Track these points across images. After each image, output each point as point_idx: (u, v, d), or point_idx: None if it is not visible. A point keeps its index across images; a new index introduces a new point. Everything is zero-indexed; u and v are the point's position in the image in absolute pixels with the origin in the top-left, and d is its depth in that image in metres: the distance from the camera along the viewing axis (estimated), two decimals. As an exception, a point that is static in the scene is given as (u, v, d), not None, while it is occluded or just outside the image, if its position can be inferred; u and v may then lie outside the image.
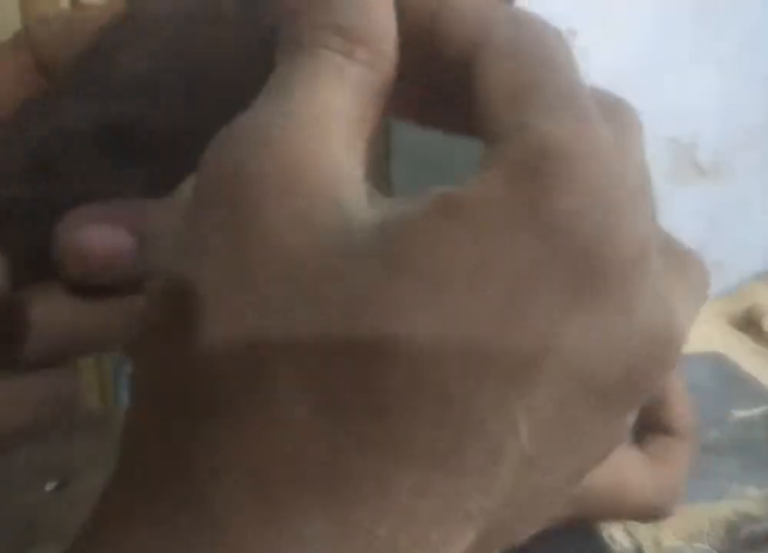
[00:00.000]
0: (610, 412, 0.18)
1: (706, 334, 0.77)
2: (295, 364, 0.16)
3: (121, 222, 0.23)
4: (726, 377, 0.69)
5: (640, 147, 0.21)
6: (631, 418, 0.20)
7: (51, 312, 0.24)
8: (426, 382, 0.16)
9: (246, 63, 0.21)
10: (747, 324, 0.88)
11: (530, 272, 0.17)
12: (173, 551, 0.17)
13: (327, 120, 0.18)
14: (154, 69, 0.21)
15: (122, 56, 0.21)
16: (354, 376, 0.16)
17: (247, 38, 0.21)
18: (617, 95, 0.21)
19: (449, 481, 0.17)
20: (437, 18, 0.20)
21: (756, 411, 0.64)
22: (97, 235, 0.23)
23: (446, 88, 0.20)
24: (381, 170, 0.49)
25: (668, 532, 0.57)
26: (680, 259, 0.22)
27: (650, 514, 0.26)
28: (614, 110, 0.20)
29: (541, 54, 0.19)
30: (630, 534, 0.58)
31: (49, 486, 0.68)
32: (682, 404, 0.28)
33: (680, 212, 1.06)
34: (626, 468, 0.25)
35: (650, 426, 0.28)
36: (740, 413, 0.65)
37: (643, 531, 0.58)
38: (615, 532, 0.58)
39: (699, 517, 0.58)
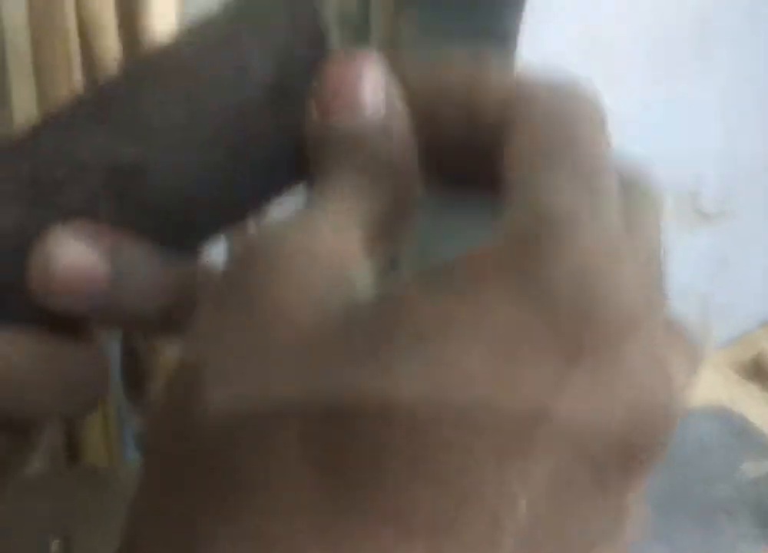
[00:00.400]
0: (609, 486, 0.18)
1: (712, 384, 0.77)
2: (298, 431, 0.17)
3: (101, 247, 0.22)
4: (734, 431, 0.68)
5: (652, 224, 0.20)
6: (633, 501, 0.20)
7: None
8: (424, 448, 0.16)
9: (267, 135, 0.21)
10: (755, 373, 0.87)
11: (520, 338, 0.17)
12: None
13: (347, 223, 0.19)
14: (176, 117, 0.21)
15: (146, 97, 0.21)
16: (354, 441, 0.17)
17: (274, 113, 0.21)
18: (640, 172, 0.21)
19: (449, 552, 0.17)
20: (473, 92, 0.21)
21: (766, 464, 0.63)
22: (69, 251, 0.21)
23: (477, 157, 0.21)
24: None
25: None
26: (674, 333, 0.22)
27: None
28: (633, 187, 0.21)
29: (571, 129, 0.19)
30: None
31: (54, 545, 0.68)
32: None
33: (685, 258, 1.07)
34: None
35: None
36: (750, 468, 0.64)
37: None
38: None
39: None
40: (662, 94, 0.98)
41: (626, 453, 0.18)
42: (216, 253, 0.25)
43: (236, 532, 0.17)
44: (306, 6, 0.21)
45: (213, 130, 0.21)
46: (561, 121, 0.20)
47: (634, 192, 0.20)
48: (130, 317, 0.24)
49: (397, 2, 0.51)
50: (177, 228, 0.23)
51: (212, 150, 0.21)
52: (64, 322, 0.22)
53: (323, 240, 0.19)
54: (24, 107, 0.57)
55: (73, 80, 0.61)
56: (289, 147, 0.21)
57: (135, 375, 0.72)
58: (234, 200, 0.23)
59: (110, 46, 0.63)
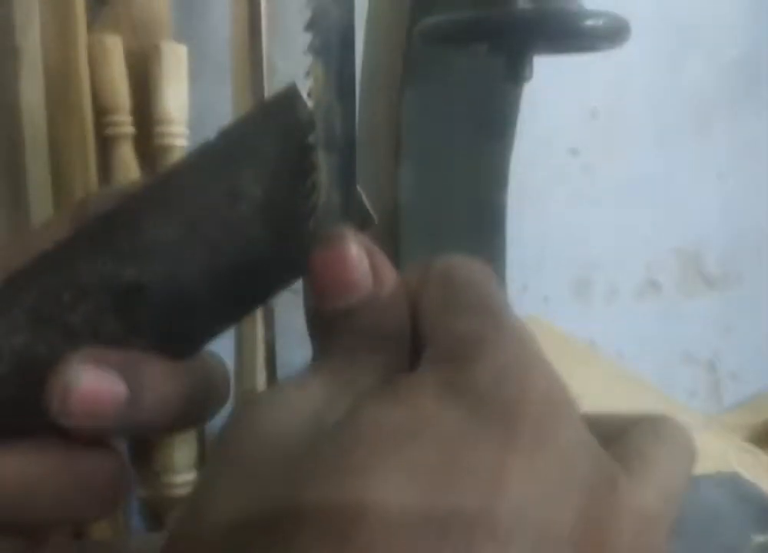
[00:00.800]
0: None
1: (721, 451, 0.76)
2: (274, 534, 0.18)
3: (117, 368, 0.23)
4: (745, 499, 0.68)
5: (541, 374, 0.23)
6: None
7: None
8: (391, 547, 0.18)
9: (260, 245, 0.23)
10: (765, 438, 0.86)
11: (460, 435, 0.19)
12: None
13: (337, 390, 0.22)
14: (175, 238, 0.22)
15: (146, 221, 0.23)
16: (324, 540, 0.18)
17: (265, 225, 0.23)
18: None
19: None
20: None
21: (779, 533, 0.62)
22: (85, 377, 0.22)
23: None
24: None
25: None
26: (663, 430, 0.24)
27: None
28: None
29: (466, 282, 0.24)
30: None
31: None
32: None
33: (692, 323, 1.07)
34: None
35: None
36: (762, 539, 0.64)
37: None
38: None
39: None
40: (662, 164, 1.00)
41: (581, 541, 0.19)
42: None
43: None
44: (295, 129, 0.23)
45: (208, 247, 0.23)
46: (455, 279, 0.24)
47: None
48: (146, 425, 0.25)
49: (401, 81, 0.53)
50: (179, 335, 0.24)
51: (208, 265, 0.23)
52: (78, 434, 0.24)
53: (303, 396, 0.22)
54: (39, 183, 0.59)
55: (87, 158, 0.63)
56: (282, 252, 0.23)
57: (141, 443, 0.73)
58: (232, 305, 0.24)
59: (125, 127, 0.65)
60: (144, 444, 0.71)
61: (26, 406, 0.23)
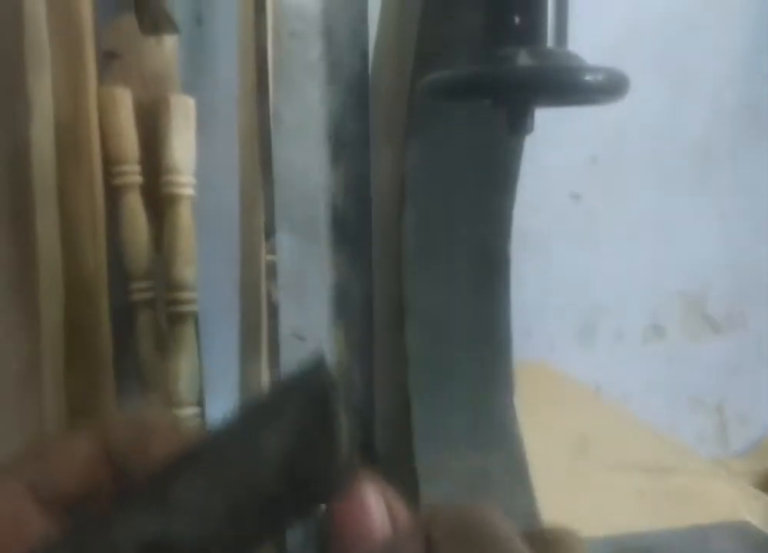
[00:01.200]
0: None
1: (730, 498, 0.76)
2: None
3: None
4: (754, 548, 0.67)
5: None
6: None
7: None
8: None
9: (281, 507, 0.25)
10: (774, 484, 0.85)
11: None
12: None
13: None
14: (202, 497, 0.24)
15: (177, 482, 0.24)
16: None
17: (288, 488, 0.25)
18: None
19: None
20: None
21: (790, 581, 0.62)
22: None
23: None
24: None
25: None
26: None
27: None
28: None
29: (479, 533, 0.24)
30: None
31: None
32: None
33: (698, 367, 1.07)
34: None
35: None
36: (772, 587, 0.63)
37: None
38: None
39: None
40: (664, 207, 1.00)
41: None
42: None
43: None
44: (319, 398, 0.25)
45: (232, 503, 0.25)
46: (472, 530, 0.24)
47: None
48: None
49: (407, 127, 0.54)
50: None
51: (231, 520, 0.25)
52: None
53: None
54: (48, 230, 0.60)
55: (95, 206, 0.64)
56: (301, 510, 0.25)
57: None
58: (251, 547, 0.26)
59: (133, 177, 0.66)
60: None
61: None
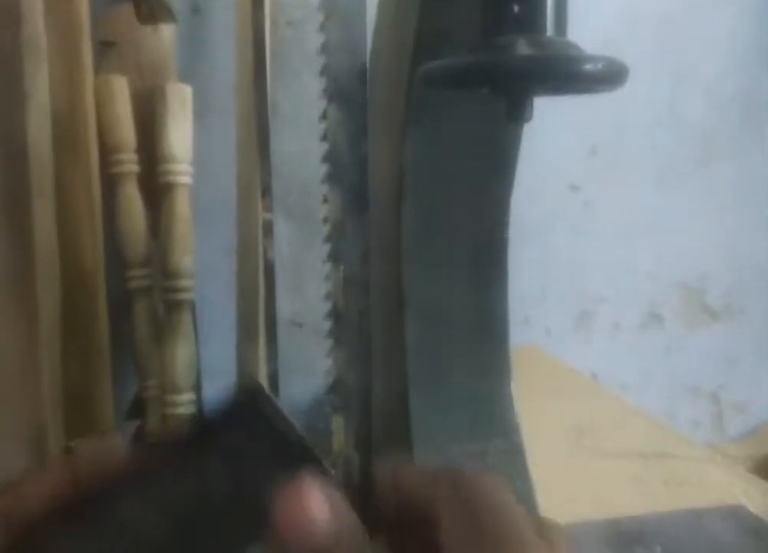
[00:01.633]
0: None
1: (725, 483, 0.76)
2: None
3: None
4: (750, 532, 0.68)
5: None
6: None
7: None
8: None
9: (223, 528, 0.25)
10: (769, 470, 0.86)
11: None
12: None
13: None
14: (143, 519, 0.24)
15: (119, 503, 0.25)
16: None
17: (228, 508, 0.25)
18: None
19: None
20: (397, 491, 0.26)
21: (785, 567, 0.62)
22: None
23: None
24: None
25: None
26: None
27: None
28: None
29: (485, 506, 0.25)
30: None
31: None
32: None
33: (695, 355, 1.07)
34: None
35: None
36: (767, 573, 0.63)
37: None
38: None
39: None
40: (663, 198, 1.01)
41: None
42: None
43: None
44: (260, 424, 0.26)
45: (177, 525, 0.25)
46: (478, 503, 0.25)
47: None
48: None
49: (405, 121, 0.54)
50: None
51: (172, 546, 0.25)
52: None
53: None
54: (45, 220, 0.60)
55: (92, 195, 0.64)
56: (252, 536, 0.25)
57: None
58: None
59: (130, 166, 0.66)
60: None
61: None
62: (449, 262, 0.58)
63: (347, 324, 0.27)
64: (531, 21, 0.38)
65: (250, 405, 0.26)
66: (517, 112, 0.39)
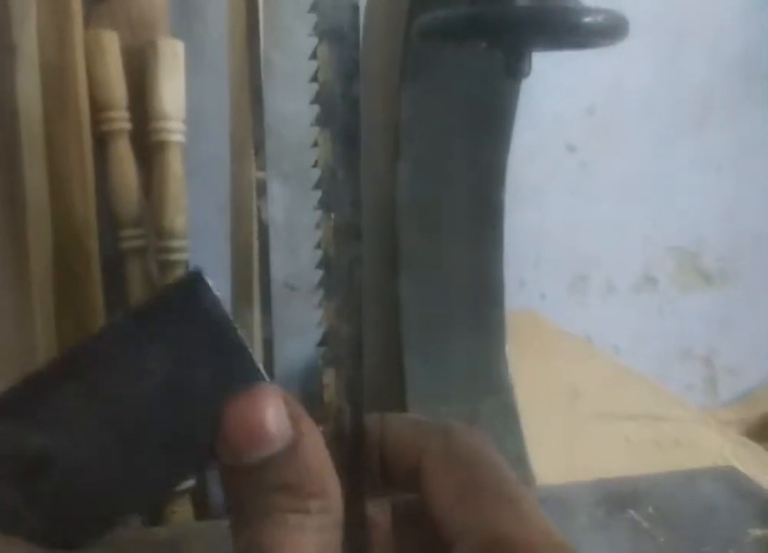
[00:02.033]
0: None
1: (717, 445, 0.77)
2: None
3: None
4: (742, 493, 0.68)
5: None
6: None
7: None
8: None
9: (166, 417, 0.24)
10: (761, 433, 0.86)
11: None
12: None
13: None
14: (81, 410, 0.23)
15: (54, 392, 0.23)
16: None
17: (171, 405, 0.24)
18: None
19: None
20: (384, 443, 0.25)
21: (775, 527, 0.63)
22: None
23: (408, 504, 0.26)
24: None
25: None
26: None
27: None
28: None
29: (478, 460, 0.24)
30: None
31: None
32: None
33: (689, 318, 1.07)
34: None
35: None
36: (757, 533, 0.64)
37: None
38: None
39: None
40: (660, 160, 1.00)
41: None
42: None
43: None
44: (199, 315, 0.24)
45: (114, 417, 0.24)
46: (470, 456, 0.25)
47: None
48: None
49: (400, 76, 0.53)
50: (74, 520, 0.24)
51: (111, 442, 0.24)
52: None
53: None
54: (36, 178, 0.59)
55: (83, 153, 0.63)
56: (188, 433, 0.24)
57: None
58: (140, 482, 0.24)
59: (121, 123, 0.65)
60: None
61: None
62: (445, 221, 0.57)
63: (338, 274, 0.26)
64: (530, -29, 0.37)
65: (190, 292, 0.24)
66: (515, 66, 0.38)
